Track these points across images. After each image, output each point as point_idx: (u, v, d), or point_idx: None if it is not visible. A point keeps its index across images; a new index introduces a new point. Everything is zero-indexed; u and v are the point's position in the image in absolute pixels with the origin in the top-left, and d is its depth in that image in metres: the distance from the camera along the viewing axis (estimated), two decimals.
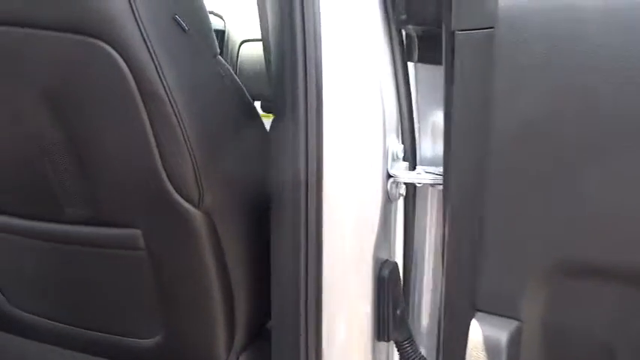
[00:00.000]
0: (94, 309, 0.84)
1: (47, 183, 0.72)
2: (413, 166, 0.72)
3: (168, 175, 0.66)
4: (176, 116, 0.62)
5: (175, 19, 0.63)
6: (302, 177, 0.63)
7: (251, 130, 0.76)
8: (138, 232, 0.75)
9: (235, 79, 0.76)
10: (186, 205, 0.70)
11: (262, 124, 0.80)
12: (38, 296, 0.87)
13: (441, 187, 0.65)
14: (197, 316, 0.81)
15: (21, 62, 0.64)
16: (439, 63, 0.59)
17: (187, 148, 0.65)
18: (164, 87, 0.61)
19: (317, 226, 0.65)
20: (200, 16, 0.69)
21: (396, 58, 0.70)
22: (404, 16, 0.65)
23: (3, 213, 0.80)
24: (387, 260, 0.73)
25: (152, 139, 0.64)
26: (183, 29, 0.64)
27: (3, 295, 0.90)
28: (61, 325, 0.87)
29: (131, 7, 0.57)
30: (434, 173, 0.69)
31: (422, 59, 0.70)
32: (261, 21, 0.70)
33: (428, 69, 0.72)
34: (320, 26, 0.61)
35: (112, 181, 0.70)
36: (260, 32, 0.71)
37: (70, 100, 0.65)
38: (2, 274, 0.92)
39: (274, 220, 0.69)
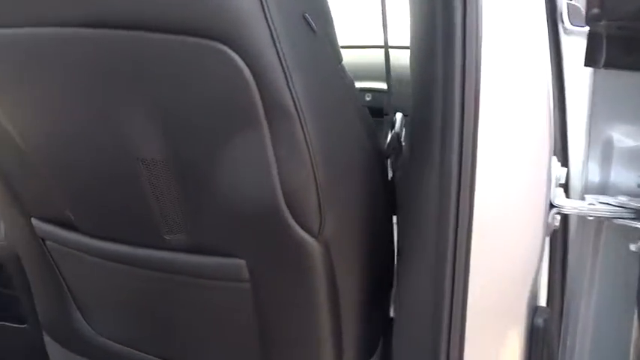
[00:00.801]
0: (185, 341, 0.76)
1: (145, 205, 0.64)
2: (579, 195, 0.60)
3: (286, 200, 0.57)
4: (303, 132, 0.53)
5: (305, 18, 0.53)
6: (451, 207, 0.52)
7: (372, 149, 0.66)
8: (242, 262, 0.66)
9: (356, 90, 0.66)
10: (303, 234, 0.60)
11: (380, 142, 0.69)
12: (125, 324, 0.80)
13: (621, 220, 0.52)
14: (301, 355, 0.71)
15: (124, 68, 0.56)
16: (636, 69, 0.47)
17: (312, 169, 0.55)
18: (292, 98, 0.51)
19: (465, 263, 0.54)
20: (326, 14, 0.60)
21: (560, 63, 0.58)
22: (596, 11, 0.53)
23: (94, 236, 0.73)
24: (540, 306, 0.61)
25: (271, 158, 0.54)
26: (313, 30, 0.54)
27: (86, 321, 0.84)
28: (147, 356, 0.79)
29: (262, 4, 0.48)
30: (612, 205, 0.56)
31: (610, 64, 0.57)
32: (411, 20, 0.58)
33: (612, 76, 0.59)
34: (482, 25, 0.50)
35: (218, 205, 0.62)
36: (409, 36, 0.60)
37: (178, 113, 0.56)
38: (87, 298, 0.85)
39: (409, 251, 0.59)
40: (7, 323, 1.09)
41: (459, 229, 0.52)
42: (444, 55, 0.51)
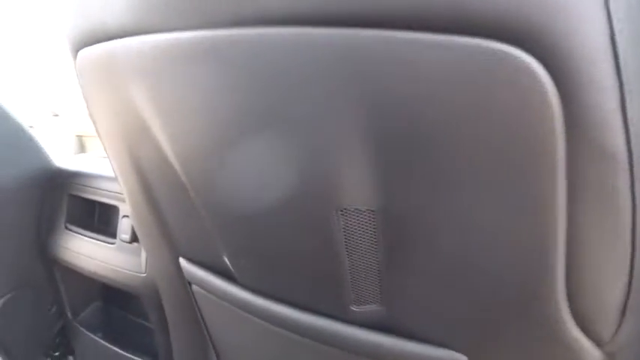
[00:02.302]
0: None
1: (330, 264, 0.47)
2: None
3: (569, 286, 0.36)
4: (632, 189, 0.32)
5: None
6: None
7: None
8: (462, 358, 0.46)
9: None
10: (581, 338, 0.39)
11: None
12: None
13: None
14: None
15: (334, 81, 0.38)
16: None
17: (631, 242, 0.33)
18: (626, 135, 0.30)
19: None
20: None
21: None
22: None
23: (255, 291, 0.57)
24: None
25: (561, 217, 0.34)
26: None
27: None
28: None
29: None
30: None
31: None
32: None
33: None
34: None
35: (442, 274, 0.42)
36: None
37: (418, 141, 0.37)
38: (231, 353, 0.71)
39: None
40: (137, 358, 1.01)
41: None
42: None
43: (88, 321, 1.15)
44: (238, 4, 0.40)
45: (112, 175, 0.94)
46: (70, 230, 1.02)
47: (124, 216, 0.90)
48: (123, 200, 0.90)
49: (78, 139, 2.44)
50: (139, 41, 0.49)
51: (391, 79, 0.35)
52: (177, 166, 0.54)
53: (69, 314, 1.15)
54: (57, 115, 2.42)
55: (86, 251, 0.99)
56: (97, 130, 0.65)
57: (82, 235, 1.00)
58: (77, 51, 0.57)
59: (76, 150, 2.39)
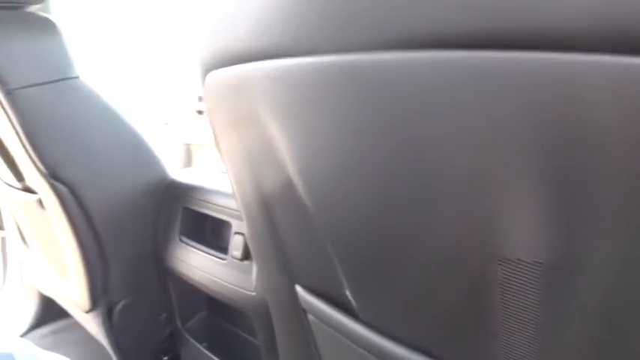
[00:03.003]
0: None
1: (474, 316, 0.41)
2: None
3: None
4: None
5: None
6: None
7: None
8: None
9: None
10: None
11: None
12: None
13: None
14: None
15: (507, 107, 0.32)
16: None
17: None
18: None
19: None
20: None
21: None
22: None
23: (381, 332, 0.53)
24: None
25: None
26: None
27: None
28: None
29: None
30: None
31: None
32: None
33: None
34: None
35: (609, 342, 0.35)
36: None
37: (623, 179, 0.30)
38: None
39: None
40: None
41: None
42: None
43: (195, 330, 1.18)
44: (382, 28, 0.37)
45: (227, 191, 0.95)
46: (184, 242, 1.04)
47: (237, 233, 0.90)
48: (236, 217, 0.91)
49: (186, 148, 2.57)
50: (271, 64, 0.48)
51: (570, 105, 0.29)
52: (302, 191, 0.52)
53: (178, 322, 1.18)
54: (167, 124, 2.57)
55: (198, 264, 1.00)
56: (218, 148, 0.65)
57: (194, 248, 1.01)
58: (206, 73, 0.57)
59: (184, 158, 2.51)
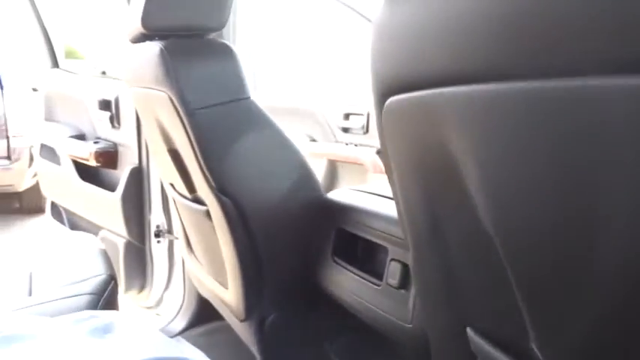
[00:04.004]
0: None
1: None
2: None
3: None
4: None
5: None
6: None
7: None
8: None
9: None
10: None
11: None
12: None
13: None
14: None
15: None
16: None
17: None
18: None
19: None
20: None
21: None
22: None
23: None
24: None
25: None
26: None
27: None
28: None
29: None
30: None
31: None
32: None
33: None
34: None
35: None
36: None
37: None
38: None
39: None
40: None
41: None
42: None
43: (342, 351, 1.17)
44: (584, 53, 0.34)
45: (384, 213, 0.93)
46: (336, 263, 1.04)
47: (393, 259, 0.87)
48: (393, 243, 0.88)
49: (329, 164, 2.62)
50: (463, 90, 0.45)
51: None
52: (489, 222, 0.47)
53: (325, 341, 1.18)
54: (314, 140, 2.65)
55: (350, 286, 0.99)
56: (389, 171, 0.63)
57: (347, 269, 1.01)
58: (386, 98, 0.55)
59: (326, 174, 2.57)
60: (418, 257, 0.64)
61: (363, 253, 1.01)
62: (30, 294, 1.11)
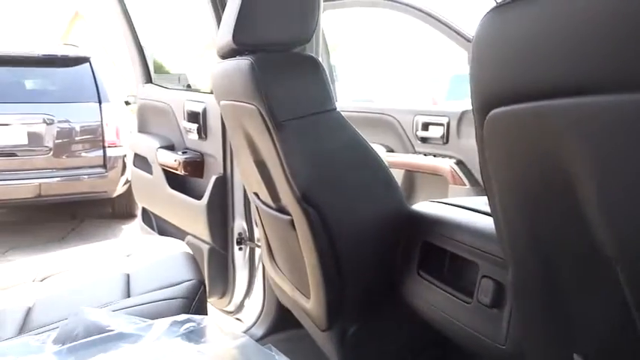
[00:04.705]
0: None
1: None
2: None
3: None
4: None
5: None
6: None
7: None
8: None
9: None
10: None
11: None
12: None
13: None
14: None
15: None
16: None
17: None
18: None
19: None
20: None
21: None
22: None
23: None
24: None
25: None
26: None
27: None
28: None
29: None
30: None
31: None
32: None
33: None
34: None
35: None
36: None
37: None
38: None
39: None
40: None
41: None
42: None
43: None
44: None
45: (474, 227, 0.90)
46: (422, 277, 1.02)
47: (485, 276, 0.84)
48: (484, 258, 0.85)
49: (407, 175, 2.58)
50: (582, 102, 0.42)
51: None
52: (607, 243, 0.44)
53: (407, 355, 1.16)
54: (391, 151, 2.62)
55: (435, 301, 0.97)
56: (488, 184, 0.61)
57: (433, 284, 0.98)
58: (489, 110, 0.53)
59: (404, 185, 2.53)
60: (519, 275, 0.61)
61: (450, 268, 0.98)
62: (128, 295, 1.18)
